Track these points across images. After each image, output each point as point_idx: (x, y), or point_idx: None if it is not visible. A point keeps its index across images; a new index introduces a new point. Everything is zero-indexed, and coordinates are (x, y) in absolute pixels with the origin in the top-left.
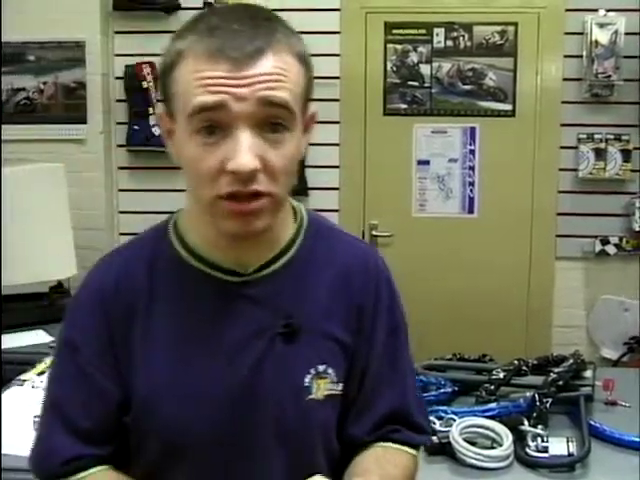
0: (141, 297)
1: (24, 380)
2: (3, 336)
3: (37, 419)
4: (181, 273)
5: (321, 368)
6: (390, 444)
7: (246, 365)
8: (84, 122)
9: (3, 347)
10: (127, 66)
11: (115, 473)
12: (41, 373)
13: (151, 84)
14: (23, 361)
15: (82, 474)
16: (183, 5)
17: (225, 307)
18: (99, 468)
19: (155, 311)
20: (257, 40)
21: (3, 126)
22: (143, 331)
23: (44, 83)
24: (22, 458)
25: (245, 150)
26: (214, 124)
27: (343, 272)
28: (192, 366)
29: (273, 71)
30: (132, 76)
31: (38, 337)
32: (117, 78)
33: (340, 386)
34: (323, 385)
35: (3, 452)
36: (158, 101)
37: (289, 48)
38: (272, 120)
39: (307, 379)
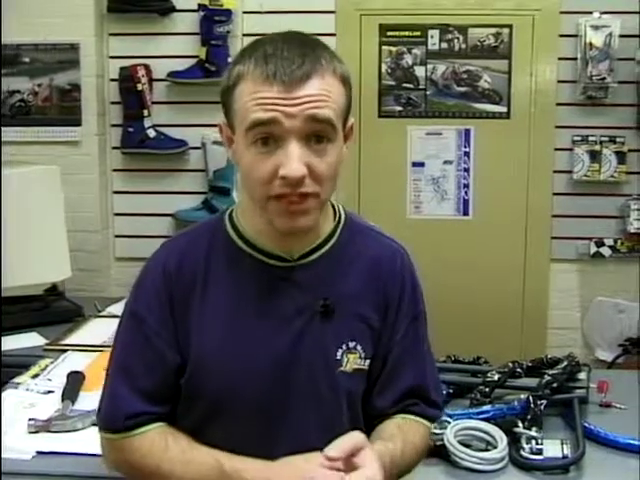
0: (199, 275)
1: (18, 383)
2: None
3: (104, 381)
4: (235, 257)
5: (351, 344)
6: (409, 416)
7: (288, 338)
8: (79, 124)
9: None
10: (122, 68)
11: (171, 429)
12: (35, 376)
13: (146, 86)
14: (17, 364)
15: (143, 429)
16: (177, 7)
17: (271, 288)
18: (157, 424)
19: (211, 288)
20: (304, 66)
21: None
22: (199, 305)
23: (39, 85)
24: (17, 461)
25: (295, 159)
26: (268, 137)
27: (373, 263)
28: (241, 337)
29: (318, 92)
30: (127, 78)
31: (32, 340)
32: (112, 80)
33: (367, 362)
34: (352, 359)
35: None
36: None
37: (332, 71)
38: (317, 134)
39: (339, 353)
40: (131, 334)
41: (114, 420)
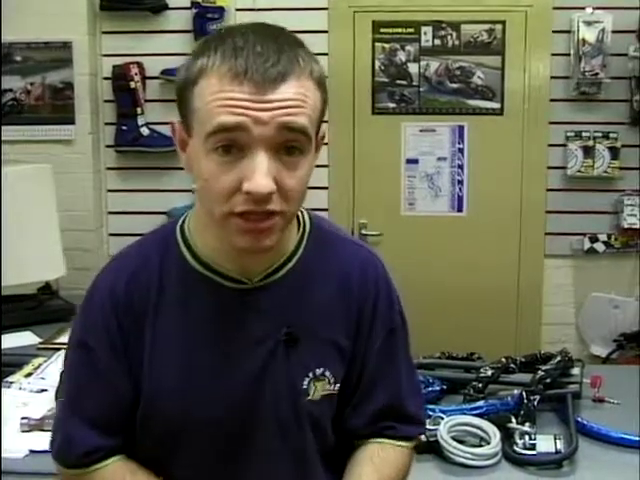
0: (150, 301)
1: (11, 382)
2: None
3: (53, 413)
4: (188, 279)
5: (319, 371)
6: (385, 440)
7: (249, 371)
8: (72, 123)
9: None
10: (115, 66)
11: (129, 464)
12: (28, 375)
13: (139, 84)
14: (10, 363)
15: (101, 464)
16: (170, 5)
17: (229, 315)
18: (115, 458)
19: (163, 313)
20: (280, 64)
21: None
22: (151, 332)
23: (31, 84)
24: (10, 460)
25: (263, 173)
26: (232, 144)
27: (343, 277)
28: (197, 371)
29: (294, 97)
30: (120, 76)
31: (26, 339)
32: (105, 78)
33: (337, 386)
34: (320, 387)
35: None
36: (181, 116)
37: (309, 73)
38: (289, 144)
39: (305, 382)
40: (80, 365)
41: (70, 457)
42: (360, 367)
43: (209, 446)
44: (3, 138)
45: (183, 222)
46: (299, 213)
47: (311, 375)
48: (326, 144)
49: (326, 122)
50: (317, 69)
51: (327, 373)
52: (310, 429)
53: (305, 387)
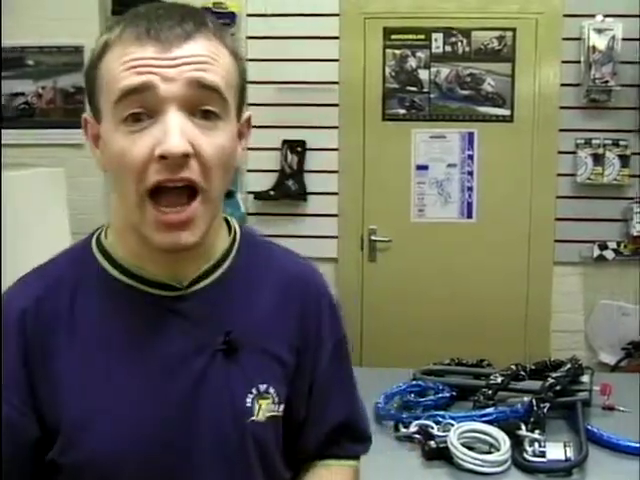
0: (63, 320)
1: None
2: None
3: None
4: (109, 290)
5: (262, 388)
6: (332, 461)
7: (184, 385)
8: None
9: None
10: None
11: None
12: None
13: None
14: None
15: None
16: None
17: (158, 324)
18: None
19: (81, 333)
20: (187, 24)
21: (2, 131)
22: (68, 356)
23: (43, 88)
24: None
25: (175, 132)
26: (142, 110)
27: (282, 287)
28: (125, 388)
29: (203, 53)
30: None
31: None
32: None
33: (281, 407)
34: (265, 406)
35: None
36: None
37: (221, 39)
38: (203, 106)
39: (249, 399)
40: None
41: None
42: (310, 384)
43: (142, 476)
44: (14, 141)
45: (99, 235)
46: (227, 218)
47: (255, 392)
48: (336, 150)
49: (336, 128)
50: (230, 42)
51: (271, 390)
52: (257, 457)
53: (249, 405)
